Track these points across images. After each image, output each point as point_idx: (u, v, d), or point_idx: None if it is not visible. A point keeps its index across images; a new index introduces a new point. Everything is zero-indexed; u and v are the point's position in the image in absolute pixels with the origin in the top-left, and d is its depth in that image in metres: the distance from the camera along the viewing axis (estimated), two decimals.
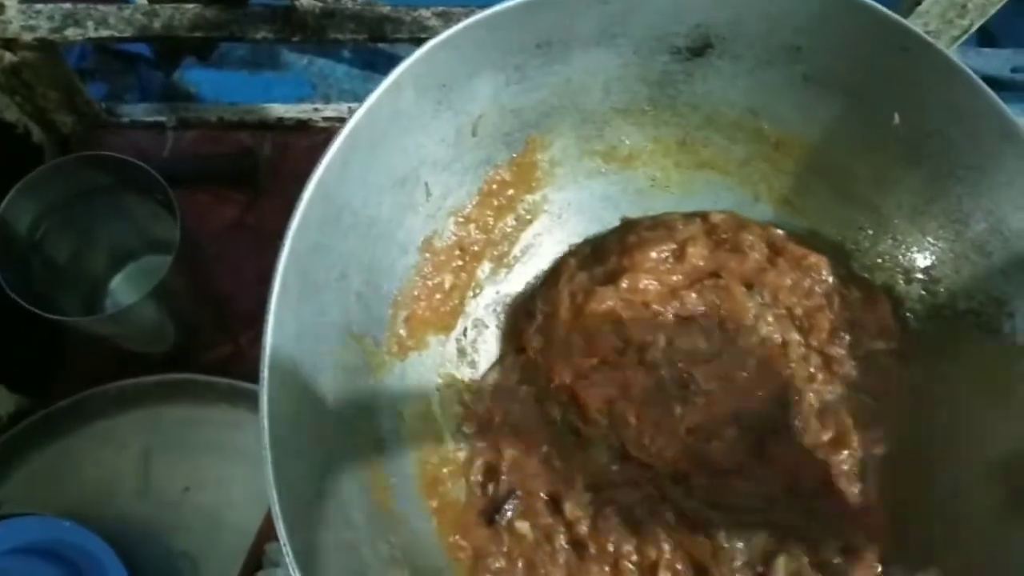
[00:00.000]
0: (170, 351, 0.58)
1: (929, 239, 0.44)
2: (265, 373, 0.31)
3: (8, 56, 0.54)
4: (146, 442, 0.57)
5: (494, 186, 0.44)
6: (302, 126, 0.66)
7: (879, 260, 0.46)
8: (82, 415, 0.56)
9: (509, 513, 0.41)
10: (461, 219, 0.44)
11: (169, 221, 0.50)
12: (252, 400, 0.56)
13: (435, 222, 0.42)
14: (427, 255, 0.42)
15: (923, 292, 0.45)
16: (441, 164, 0.41)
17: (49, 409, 0.55)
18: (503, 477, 0.42)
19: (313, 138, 0.65)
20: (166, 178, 0.48)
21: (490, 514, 0.42)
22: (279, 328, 0.32)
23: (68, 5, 0.53)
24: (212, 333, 0.60)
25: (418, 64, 0.35)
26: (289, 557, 0.29)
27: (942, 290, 0.44)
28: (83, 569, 0.50)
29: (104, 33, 0.52)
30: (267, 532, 0.55)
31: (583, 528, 0.40)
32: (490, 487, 0.42)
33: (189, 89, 0.73)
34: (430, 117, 0.39)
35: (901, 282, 0.45)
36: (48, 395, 0.56)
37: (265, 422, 0.31)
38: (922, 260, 0.45)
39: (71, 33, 0.52)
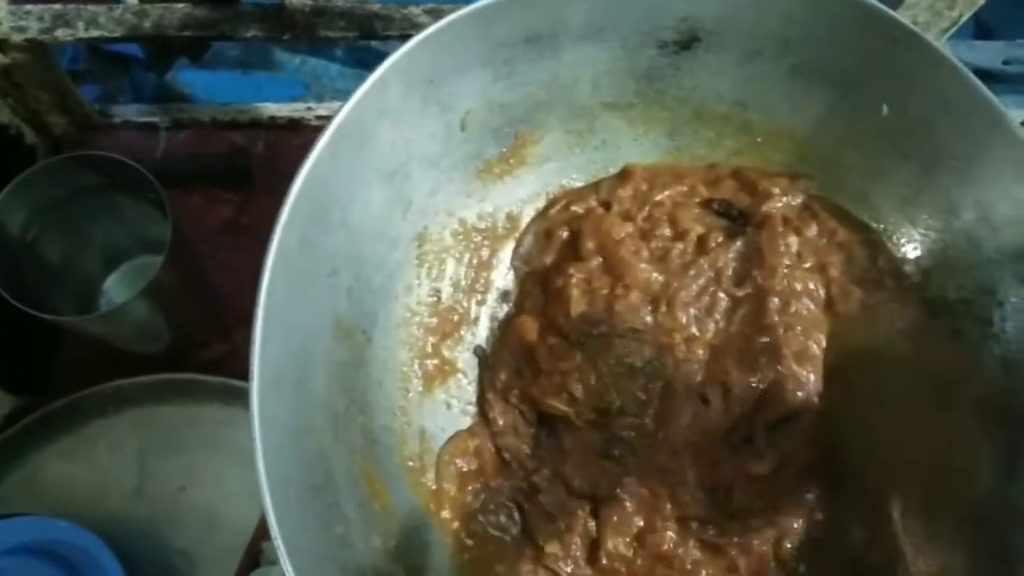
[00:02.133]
0: (165, 350, 0.58)
1: (919, 230, 0.44)
2: (255, 367, 0.31)
3: None
4: (142, 441, 0.57)
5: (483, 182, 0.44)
6: (295, 125, 0.66)
7: None
8: (78, 415, 0.56)
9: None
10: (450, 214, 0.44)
11: (162, 221, 0.50)
12: (246, 398, 0.56)
13: (425, 218, 0.42)
14: (417, 250, 0.42)
15: (914, 283, 0.45)
16: (430, 159, 0.41)
17: (45, 410, 0.55)
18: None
19: (306, 137, 0.65)
20: (159, 178, 0.48)
21: None
22: (269, 324, 0.32)
23: (58, 6, 0.53)
24: (207, 332, 0.60)
25: (404, 59, 0.35)
26: (279, 545, 0.29)
27: (933, 281, 0.44)
28: (80, 569, 0.50)
29: (94, 33, 0.53)
30: (263, 530, 0.55)
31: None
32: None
33: (182, 91, 0.73)
34: (418, 113, 0.39)
35: None
36: (44, 396, 0.56)
37: (255, 415, 0.31)
38: (912, 251, 0.45)
39: (61, 34, 0.52)
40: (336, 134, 0.34)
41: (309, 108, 0.67)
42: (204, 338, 0.60)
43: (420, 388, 0.43)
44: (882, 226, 0.45)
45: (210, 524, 0.56)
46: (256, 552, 0.55)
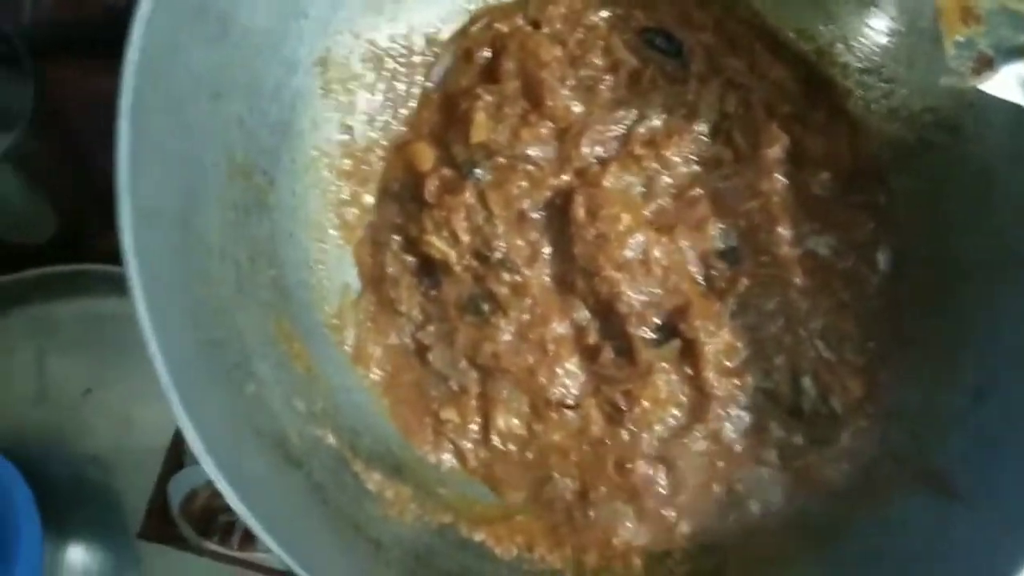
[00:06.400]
0: (54, 240, 0.51)
1: (881, 34, 0.40)
2: (124, 185, 0.26)
3: None
4: (37, 344, 0.51)
5: None
6: None
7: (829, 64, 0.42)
8: None
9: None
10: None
11: (26, 90, 0.43)
12: None
13: (327, 38, 0.37)
14: (320, 78, 0.37)
15: (878, 93, 0.41)
16: None
17: None
18: None
19: None
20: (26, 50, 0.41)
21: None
22: (139, 139, 0.27)
23: None
24: (102, 218, 0.53)
25: None
26: (173, 398, 0.25)
27: (897, 89, 0.41)
28: None
29: None
30: None
31: None
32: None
33: None
34: None
35: (853, 85, 0.42)
36: None
37: (129, 246, 0.27)
38: (875, 58, 0.41)
39: None
40: None
41: None
42: (99, 224, 0.53)
43: (340, 240, 0.38)
44: (840, 33, 0.41)
45: (123, 427, 0.51)
46: (178, 452, 0.50)
